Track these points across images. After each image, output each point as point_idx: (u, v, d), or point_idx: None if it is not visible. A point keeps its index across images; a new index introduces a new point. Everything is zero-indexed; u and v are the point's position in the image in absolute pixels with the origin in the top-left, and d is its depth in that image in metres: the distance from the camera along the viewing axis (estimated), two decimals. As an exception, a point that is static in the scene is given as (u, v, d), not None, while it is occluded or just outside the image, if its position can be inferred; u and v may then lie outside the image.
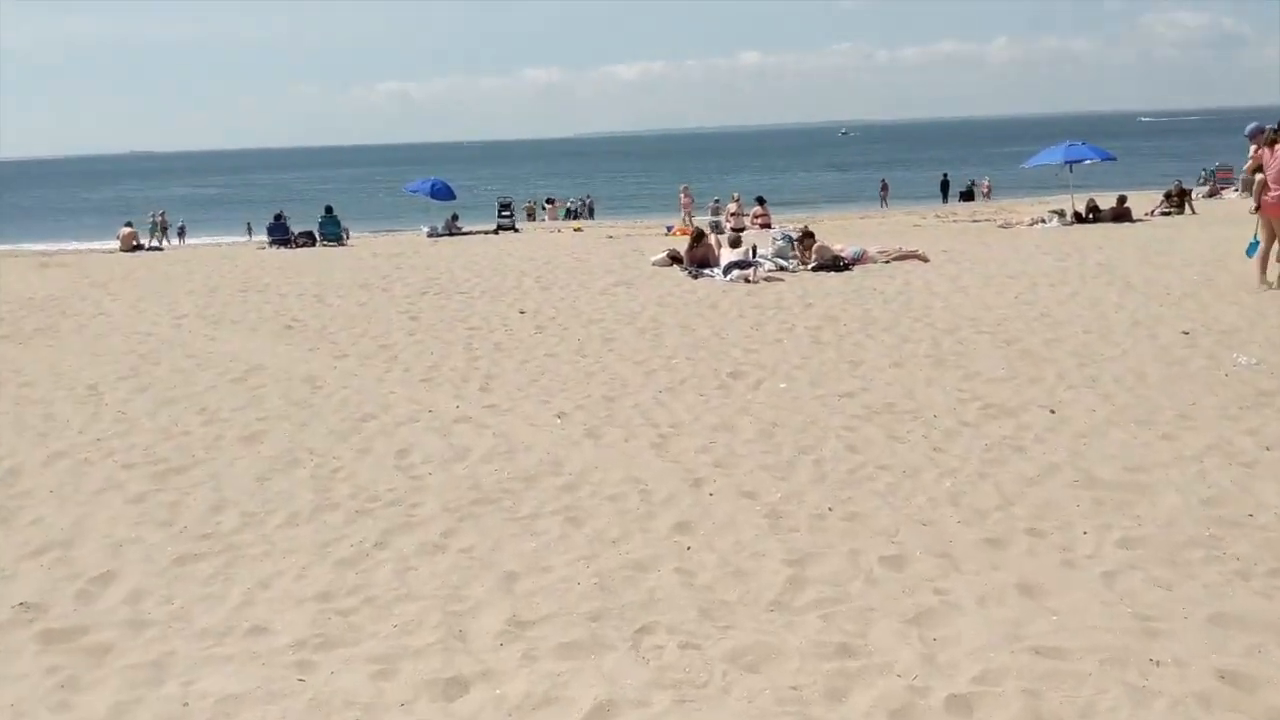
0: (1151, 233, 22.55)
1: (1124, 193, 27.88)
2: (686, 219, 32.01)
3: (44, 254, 32.17)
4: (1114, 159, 28.66)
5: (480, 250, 24.51)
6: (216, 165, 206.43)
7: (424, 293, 16.09)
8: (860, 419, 7.96)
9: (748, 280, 15.63)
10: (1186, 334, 10.48)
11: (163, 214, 43.05)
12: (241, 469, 7.23)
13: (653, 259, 18.85)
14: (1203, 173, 40.90)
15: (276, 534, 5.95)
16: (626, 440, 7.61)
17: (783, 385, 9.19)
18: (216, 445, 7.84)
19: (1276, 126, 13.37)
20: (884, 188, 48.54)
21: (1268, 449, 6.86)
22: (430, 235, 31.57)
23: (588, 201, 48.97)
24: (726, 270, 16.25)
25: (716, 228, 23.97)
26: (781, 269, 16.62)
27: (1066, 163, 27.34)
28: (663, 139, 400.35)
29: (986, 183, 47.51)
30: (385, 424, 8.35)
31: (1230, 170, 39.73)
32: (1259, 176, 12.93)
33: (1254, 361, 9.13)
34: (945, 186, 46.69)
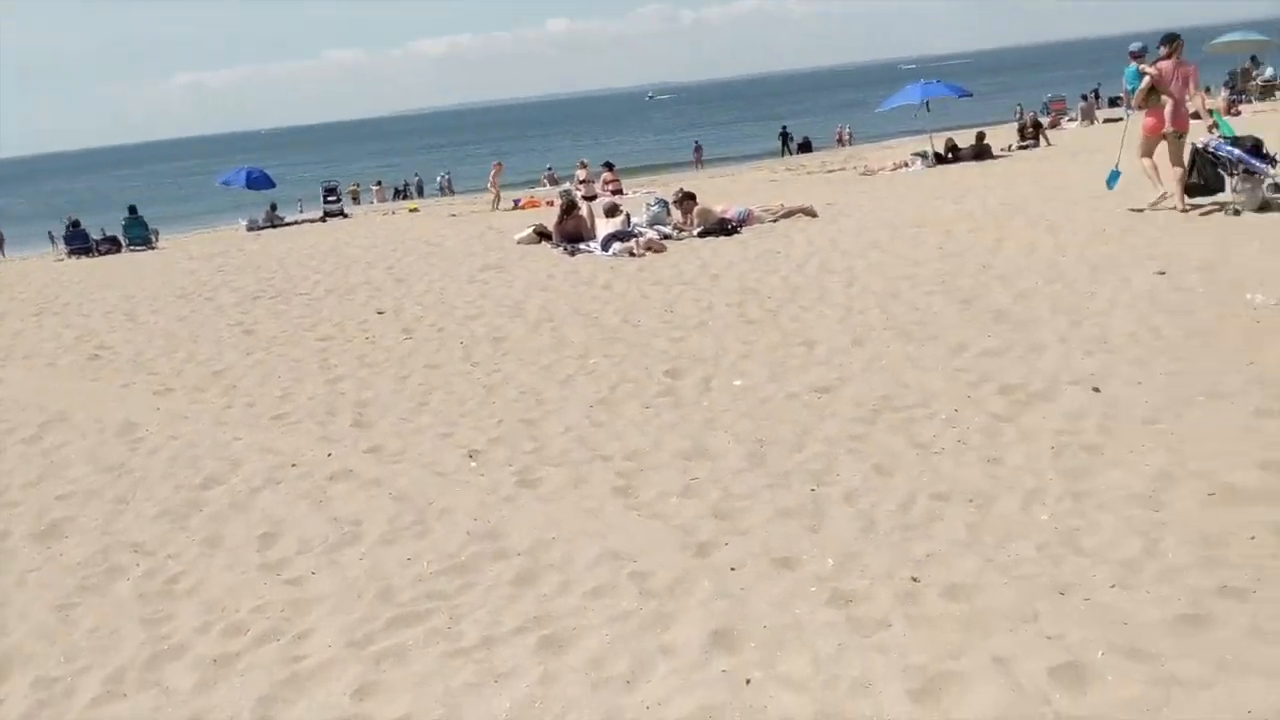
0: (1024, 167, 21.75)
1: (981, 129, 27.25)
2: (496, 194, 28.66)
3: None
4: (970, 95, 27.97)
5: (313, 241, 21.84)
6: (9, 174, 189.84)
7: (257, 298, 13.65)
8: (863, 422, 6.22)
9: (632, 254, 13.77)
10: (1163, 274, 9.18)
11: None
12: (33, 594, 4.99)
13: (517, 237, 16.76)
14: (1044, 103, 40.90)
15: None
16: (576, 486, 5.66)
17: (738, 382, 7.40)
18: (-6, 553, 5.55)
19: (1165, 39, 12.31)
20: (697, 150, 47.96)
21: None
22: (250, 229, 28.53)
23: (416, 181, 46.48)
24: (606, 244, 14.34)
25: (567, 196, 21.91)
26: (665, 236, 14.83)
27: (924, 101, 26.44)
28: (474, 112, 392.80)
29: (846, 130, 46.72)
30: (236, 491, 6.18)
31: (1063, 101, 40.02)
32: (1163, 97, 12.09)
33: (1272, 301, 7.82)
34: (786, 138, 45.74)
